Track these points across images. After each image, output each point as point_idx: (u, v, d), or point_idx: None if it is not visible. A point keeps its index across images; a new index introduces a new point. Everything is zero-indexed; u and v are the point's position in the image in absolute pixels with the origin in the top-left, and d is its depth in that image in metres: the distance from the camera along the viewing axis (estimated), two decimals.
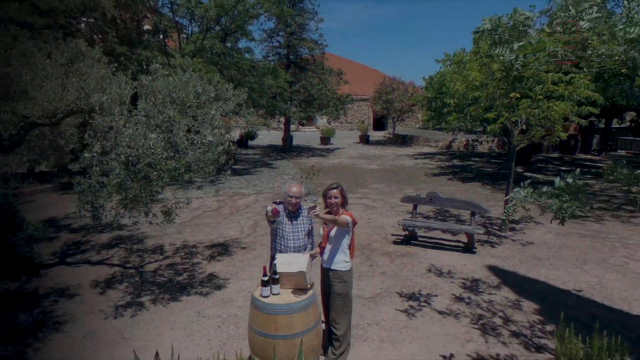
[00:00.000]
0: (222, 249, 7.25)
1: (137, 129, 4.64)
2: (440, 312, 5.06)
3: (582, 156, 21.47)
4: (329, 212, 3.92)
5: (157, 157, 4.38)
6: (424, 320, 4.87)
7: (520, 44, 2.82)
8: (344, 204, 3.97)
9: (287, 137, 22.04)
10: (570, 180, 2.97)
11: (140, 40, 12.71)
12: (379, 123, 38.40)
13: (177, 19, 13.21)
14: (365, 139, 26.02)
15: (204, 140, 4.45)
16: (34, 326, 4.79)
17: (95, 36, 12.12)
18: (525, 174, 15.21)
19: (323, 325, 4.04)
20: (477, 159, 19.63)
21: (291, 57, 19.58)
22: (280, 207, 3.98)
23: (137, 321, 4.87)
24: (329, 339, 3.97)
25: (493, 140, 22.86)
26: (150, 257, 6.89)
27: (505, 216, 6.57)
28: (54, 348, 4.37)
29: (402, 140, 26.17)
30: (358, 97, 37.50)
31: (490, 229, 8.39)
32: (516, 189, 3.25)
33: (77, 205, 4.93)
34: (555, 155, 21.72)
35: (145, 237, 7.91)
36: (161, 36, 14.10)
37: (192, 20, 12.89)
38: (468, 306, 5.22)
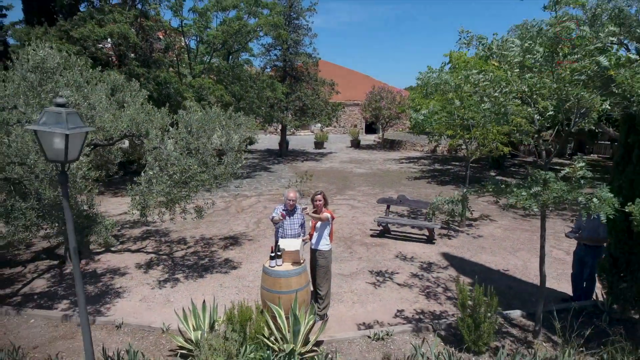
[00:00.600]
0: (233, 241, 9.04)
1: (175, 150, 6.43)
2: (398, 284, 6.89)
3: (556, 160, 23.36)
4: (315, 211, 5.72)
5: (193, 171, 6.17)
6: (386, 290, 6.69)
7: (424, 112, 4.62)
8: (325, 204, 5.77)
9: (284, 142, 23.83)
10: (465, 192, 4.80)
11: (154, 60, 14.43)
12: (370, 127, 40.18)
13: (186, 40, 14.94)
14: (356, 144, 27.87)
15: (229, 160, 6.24)
16: (100, 295, 6.56)
17: (114, 59, 13.87)
18: (497, 177, 17.07)
19: (311, 287, 5.84)
20: (457, 163, 21.48)
21: (287, 69, 21.38)
22: (278, 211, 5.77)
23: (176, 290, 6.65)
24: (315, 298, 5.77)
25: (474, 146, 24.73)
26: (176, 246, 8.67)
27: (430, 217, 8.47)
28: (120, 307, 6.14)
29: (391, 145, 28.02)
30: (350, 102, 39.33)
31: (451, 224, 10.23)
32: (434, 198, 5.07)
33: (130, 205, 6.69)
34: (530, 159, 23.61)
35: (169, 231, 9.68)
36: (171, 53, 15.86)
37: (201, 43, 14.61)
38: (420, 280, 7.05)
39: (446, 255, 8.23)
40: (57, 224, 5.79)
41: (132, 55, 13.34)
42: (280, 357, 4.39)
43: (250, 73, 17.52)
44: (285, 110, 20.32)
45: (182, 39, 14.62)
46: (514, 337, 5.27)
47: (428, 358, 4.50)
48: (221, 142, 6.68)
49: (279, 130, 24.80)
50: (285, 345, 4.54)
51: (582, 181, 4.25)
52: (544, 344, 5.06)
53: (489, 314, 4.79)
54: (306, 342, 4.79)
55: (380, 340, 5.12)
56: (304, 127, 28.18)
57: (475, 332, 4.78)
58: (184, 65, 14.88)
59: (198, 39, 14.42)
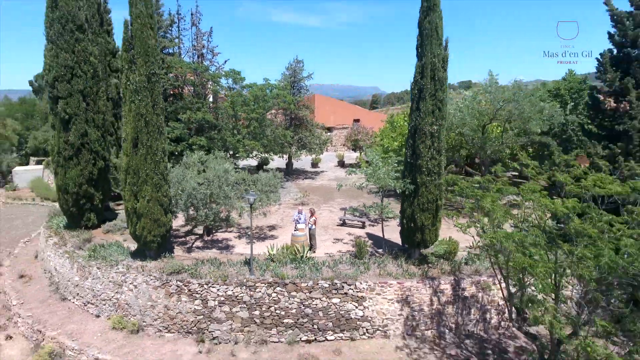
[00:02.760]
0: (272, 227, 19.40)
1: (257, 192, 16.80)
2: (343, 243, 17.29)
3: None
4: (311, 216, 16.11)
5: (264, 200, 16.57)
6: (337, 244, 17.10)
7: (361, 170, 14.87)
8: (314, 213, 16.18)
9: (290, 164, 34.21)
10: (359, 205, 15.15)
11: (215, 125, 24.64)
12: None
13: (234, 111, 25.18)
14: (341, 164, 38.16)
15: (275, 195, 16.59)
16: (226, 247, 16.95)
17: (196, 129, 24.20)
18: None
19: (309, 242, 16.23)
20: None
21: (292, 117, 31.68)
22: (297, 215, 16.13)
23: (256, 245, 17.00)
24: (310, 245, 16.16)
25: None
26: (245, 231, 19.01)
27: (363, 215, 18.86)
28: (236, 250, 16.51)
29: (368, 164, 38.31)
30: (340, 126, 49.79)
31: (378, 220, 20.55)
32: (348, 209, 15.42)
33: (237, 212, 17.05)
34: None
35: (240, 223, 19.98)
36: (221, 118, 26.11)
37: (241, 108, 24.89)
38: (351, 242, 17.41)
39: (368, 233, 18.62)
40: (218, 222, 16.23)
41: (207, 125, 23.65)
42: (297, 258, 14.76)
43: (272, 127, 27.57)
44: (290, 146, 30.66)
45: (233, 111, 24.89)
46: (377, 256, 15.66)
47: (341, 256, 14.92)
48: (269, 186, 17.08)
49: (286, 156, 34.95)
50: (299, 255, 14.91)
51: (389, 207, 14.69)
52: (386, 259, 15.41)
53: (364, 247, 15.12)
54: (306, 255, 15.15)
55: (330, 257, 15.52)
56: None
57: (360, 253, 15.11)
58: (237, 130, 24.98)
59: (241, 115, 24.68)
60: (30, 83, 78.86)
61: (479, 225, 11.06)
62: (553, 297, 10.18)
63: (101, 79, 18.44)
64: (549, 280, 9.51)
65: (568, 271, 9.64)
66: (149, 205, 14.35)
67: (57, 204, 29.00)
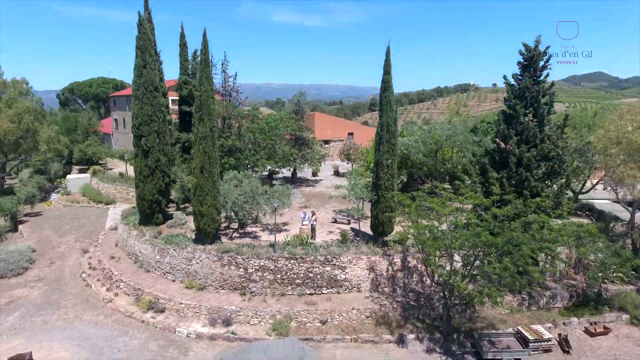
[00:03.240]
0: (284, 224, 27.63)
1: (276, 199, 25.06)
2: (334, 234, 25.55)
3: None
4: (312, 214, 24.36)
5: (280, 205, 24.85)
6: (330, 235, 25.37)
7: (352, 182, 22.98)
8: (315, 213, 24.43)
9: (294, 174, 42.44)
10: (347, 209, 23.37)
11: (239, 147, 32.83)
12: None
13: (255, 137, 33.34)
14: (336, 173, 46.36)
15: (288, 201, 24.78)
16: (255, 236, 25.19)
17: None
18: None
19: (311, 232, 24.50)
20: None
21: (297, 138, 39.86)
22: (302, 215, 24.37)
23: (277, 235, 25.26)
24: (312, 235, 24.40)
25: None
26: (266, 226, 27.22)
27: (347, 215, 27.15)
28: (262, 239, 24.76)
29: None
30: (336, 138, 58.10)
31: (360, 217, 28.76)
32: (339, 210, 23.67)
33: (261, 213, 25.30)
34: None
35: (262, 221, 28.17)
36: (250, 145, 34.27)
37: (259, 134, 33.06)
38: (339, 233, 25.65)
39: (352, 228, 26.85)
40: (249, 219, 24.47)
41: (234, 148, 31.83)
42: (304, 243, 22.96)
43: (280, 144, 35.89)
44: (295, 160, 38.89)
45: (253, 137, 33.08)
46: (355, 242, 23.91)
47: (332, 241, 23.19)
48: (284, 196, 25.35)
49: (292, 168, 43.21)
50: (305, 241, 23.13)
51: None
52: (360, 243, 23.63)
53: (347, 236, 23.32)
54: (309, 241, 23.34)
55: (325, 242, 23.76)
56: None
57: (344, 240, 23.29)
58: (253, 149, 33.19)
59: (258, 140, 32.89)
60: (58, 96, 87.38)
61: (409, 221, 19.26)
62: (449, 261, 18.41)
63: (168, 121, 26.65)
64: (442, 248, 17.71)
65: (454, 244, 17.84)
66: (209, 209, 22.52)
67: (109, 207, 37.67)
